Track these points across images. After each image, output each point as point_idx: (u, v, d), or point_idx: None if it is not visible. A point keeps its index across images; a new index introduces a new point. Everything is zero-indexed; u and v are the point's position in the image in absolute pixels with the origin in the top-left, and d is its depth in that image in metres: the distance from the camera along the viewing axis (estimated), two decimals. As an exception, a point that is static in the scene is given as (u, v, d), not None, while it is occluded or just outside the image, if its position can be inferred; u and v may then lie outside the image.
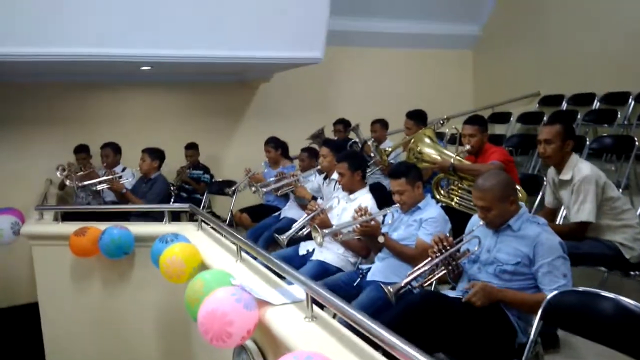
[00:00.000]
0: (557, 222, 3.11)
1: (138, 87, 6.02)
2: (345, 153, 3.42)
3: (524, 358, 2.03)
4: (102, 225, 3.53)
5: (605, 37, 5.59)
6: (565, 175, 2.86)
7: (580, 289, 1.83)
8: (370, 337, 1.56)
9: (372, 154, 4.57)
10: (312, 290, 1.88)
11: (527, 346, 2.01)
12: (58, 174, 4.62)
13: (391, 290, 2.10)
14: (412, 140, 3.61)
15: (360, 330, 1.62)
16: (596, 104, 5.69)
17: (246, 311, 1.95)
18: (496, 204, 2.21)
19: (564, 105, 6.00)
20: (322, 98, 6.62)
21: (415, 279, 2.17)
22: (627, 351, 1.64)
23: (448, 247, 2.20)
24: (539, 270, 2.12)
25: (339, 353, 1.71)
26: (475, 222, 2.39)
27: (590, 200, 2.72)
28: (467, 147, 3.48)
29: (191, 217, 4.71)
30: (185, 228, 3.55)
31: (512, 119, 6.13)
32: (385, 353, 1.59)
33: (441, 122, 4.62)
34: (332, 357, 1.67)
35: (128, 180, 4.69)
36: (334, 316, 1.99)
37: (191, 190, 5.46)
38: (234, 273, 2.53)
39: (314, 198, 3.88)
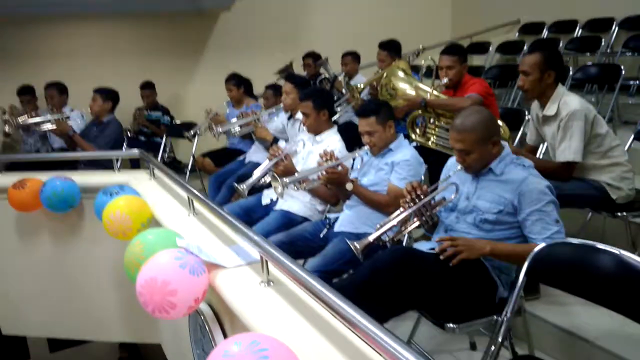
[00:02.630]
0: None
1: (86, 20, 5.46)
2: (309, 90, 3.08)
3: (505, 313, 1.85)
4: (44, 176, 3.18)
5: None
6: (550, 110, 2.60)
7: (575, 240, 1.61)
8: (328, 309, 1.34)
9: (343, 91, 4.23)
10: (265, 252, 1.62)
11: (509, 302, 1.82)
12: (-2, 117, 4.20)
13: (358, 247, 1.85)
14: (385, 74, 3.28)
15: (317, 299, 1.39)
16: (579, 31, 5.39)
17: (192, 277, 1.68)
18: (477, 146, 1.93)
19: (545, 33, 5.69)
20: (290, 29, 6.12)
21: (385, 232, 1.93)
22: (627, 312, 1.44)
23: (422, 196, 1.95)
24: (527, 218, 1.89)
25: (297, 323, 1.50)
26: (452, 166, 2.13)
27: (578, 138, 2.48)
28: (445, 80, 3.18)
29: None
30: (136, 177, 3.23)
31: (491, 48, 5.80)
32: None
33: (417, 53, 4.28)
34: (290, 327, 1.47)
35: (77, 122, 4.30)
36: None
37: (150, 134, 5.08)
38: (185, 229, 2.27)
39: (276, 140, 3.57)
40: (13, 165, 3.91)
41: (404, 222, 1.96)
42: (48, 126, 4.08)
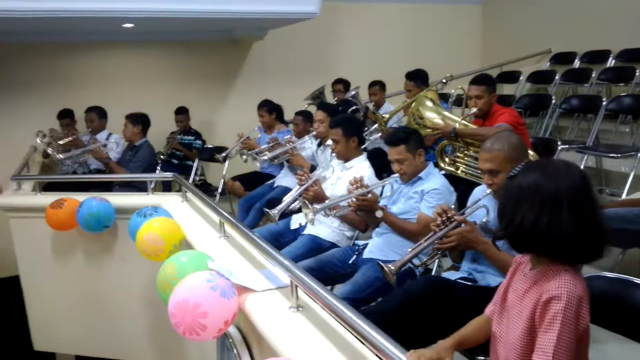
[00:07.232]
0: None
1: (124, 48, 5.67)
2: (339, 118, 3.12)
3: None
4: (81, 197, 3.30)
5: (621, -11, 5.20)
6: None
7: (611, 274, 1.58)
8: (357, 335, 1.34)
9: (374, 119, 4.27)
10: (295, 277, 1.64)
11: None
12: (38, 140, 4.37)
13: (392, 268, 1.85)
14: (413, 103, 3.31)
15: (346, 326, 1.40)
16: (611, 62, 5.34)
17: (223, 300, 1.71)
18: (506, 165, 1.92)
19: (577, 63, 5.65)
20: (320, 57, 6.25)
21: (416, 255, 1.93)
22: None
23: (452, 220, 1.94)
24: None
25: (325, 349, 1.50)
26: (480, 193, 2.12)
27: None
28: (474, 110, 3.18)
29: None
30: (169, 199, 3.31)
31: (521, 78, 5.78)
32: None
33: (444, 80, 4.28)
34: (318, 353, 1.48)
35: (114, 149, 4.44)
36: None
37: (182, 157, 5.19)
38: (216, 251, 2.31)
39: (312, 167, 3.61)
40: (51, 185, 4.06)
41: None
42: (86, 157, 4.26)
